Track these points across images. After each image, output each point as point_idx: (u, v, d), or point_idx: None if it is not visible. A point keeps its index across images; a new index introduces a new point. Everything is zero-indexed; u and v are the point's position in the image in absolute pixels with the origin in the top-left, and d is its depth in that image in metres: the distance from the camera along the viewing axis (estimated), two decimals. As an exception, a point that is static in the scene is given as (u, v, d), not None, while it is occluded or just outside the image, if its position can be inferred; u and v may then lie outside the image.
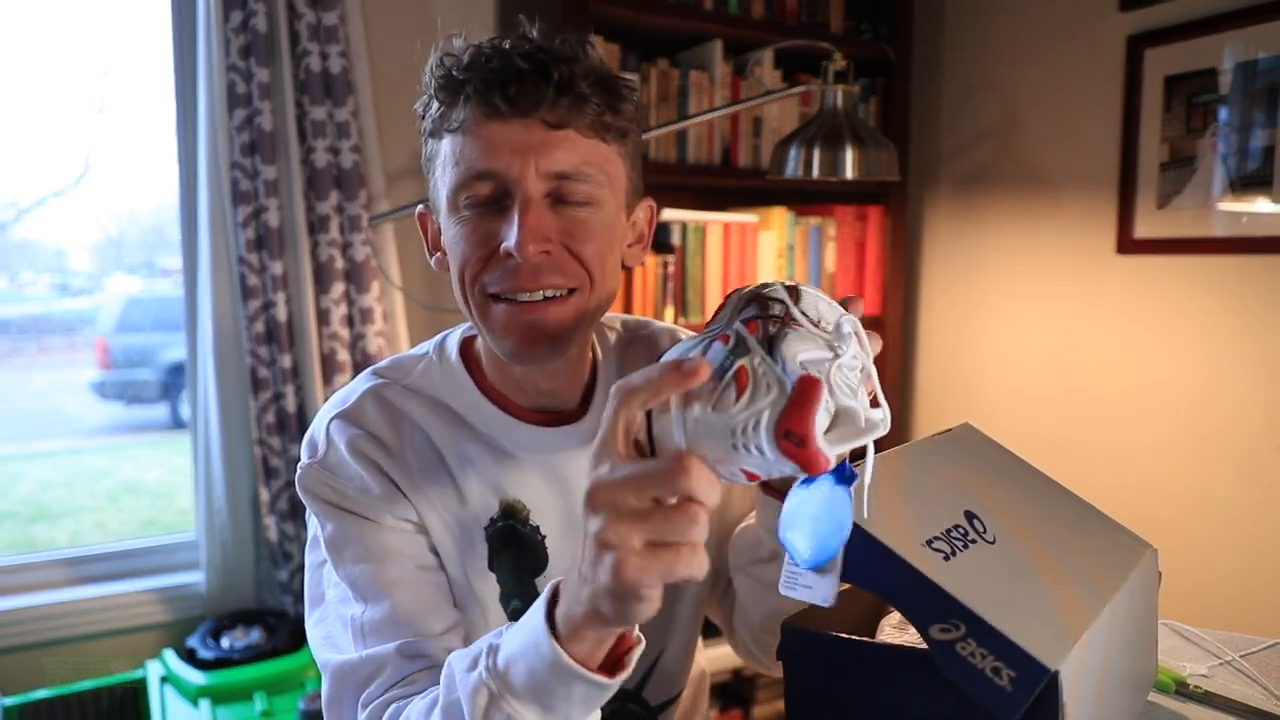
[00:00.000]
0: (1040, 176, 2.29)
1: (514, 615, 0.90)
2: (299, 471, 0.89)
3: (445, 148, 0.84)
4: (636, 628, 0.66)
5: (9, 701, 1.75)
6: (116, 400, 5.06)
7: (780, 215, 2.35)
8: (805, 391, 0.56)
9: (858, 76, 2.40)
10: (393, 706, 0.78)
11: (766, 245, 2.33)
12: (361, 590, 0.85)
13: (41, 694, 1.78)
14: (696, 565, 0.56)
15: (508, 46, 0.82)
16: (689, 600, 1.01)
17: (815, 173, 1.67)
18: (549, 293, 0.83)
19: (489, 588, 0.90)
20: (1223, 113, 1.92)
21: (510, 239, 0.80)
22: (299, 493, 0.90)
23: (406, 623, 0.83)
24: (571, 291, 0.84)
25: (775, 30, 2.28)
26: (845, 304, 0.64)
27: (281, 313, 1.95)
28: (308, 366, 1.97)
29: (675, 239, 2.20)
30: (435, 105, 0.85)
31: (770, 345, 0.59)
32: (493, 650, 0.67)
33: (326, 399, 1.99)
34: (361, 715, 0.80)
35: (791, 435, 0.55)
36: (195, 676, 1.79)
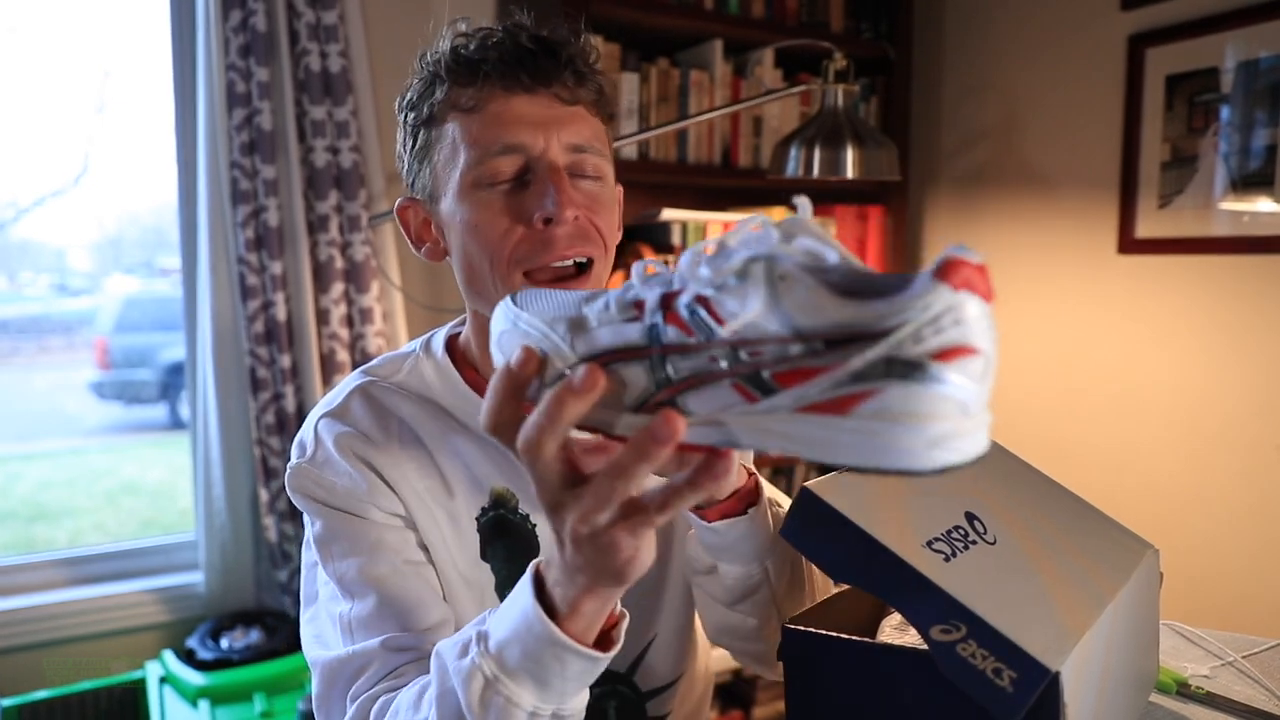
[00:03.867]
0: (1041, 176, 2.29)
1: None
2: (288, 471, 0.90)
3: (452, 131, 0.85)
4: (619, 603, 0.67)
5: (8, 702, 1.75)
6: (115, 400, 5.06)
7: (780, 215, 2.34)
8: None
9: (858, 76, 2.39)
10: (381, 700, 0.78)
11: (767, 245, 2.32)
12: (348, 586, 0.86)
13: (41, 694, 1.78)
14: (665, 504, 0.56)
15: (513, 30, 0.85)
16: (676, 586, 1.01)
17: (816, 172, 1.67)
18: (580, 260, 0.85)
19: (484, 578, 0.91)
20: (1224, 112, 1.91)
21: (548, 206, 0.81)
22: (289, 493, 0.90)
23: (393, 617, 0.83)
24: (591, 264, 0.86)
25: (775, 30, 2.28)
26: None
27: (281, 312, 1.95)
28: (307, 366, 1.97)
29: (675, 239, 2.19)
30: (441, 88, 0.85)
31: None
32: (483, 636, 0.67)
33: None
34: (350, 709, 0.80)
35: None
36: (194, 677, 1.79)
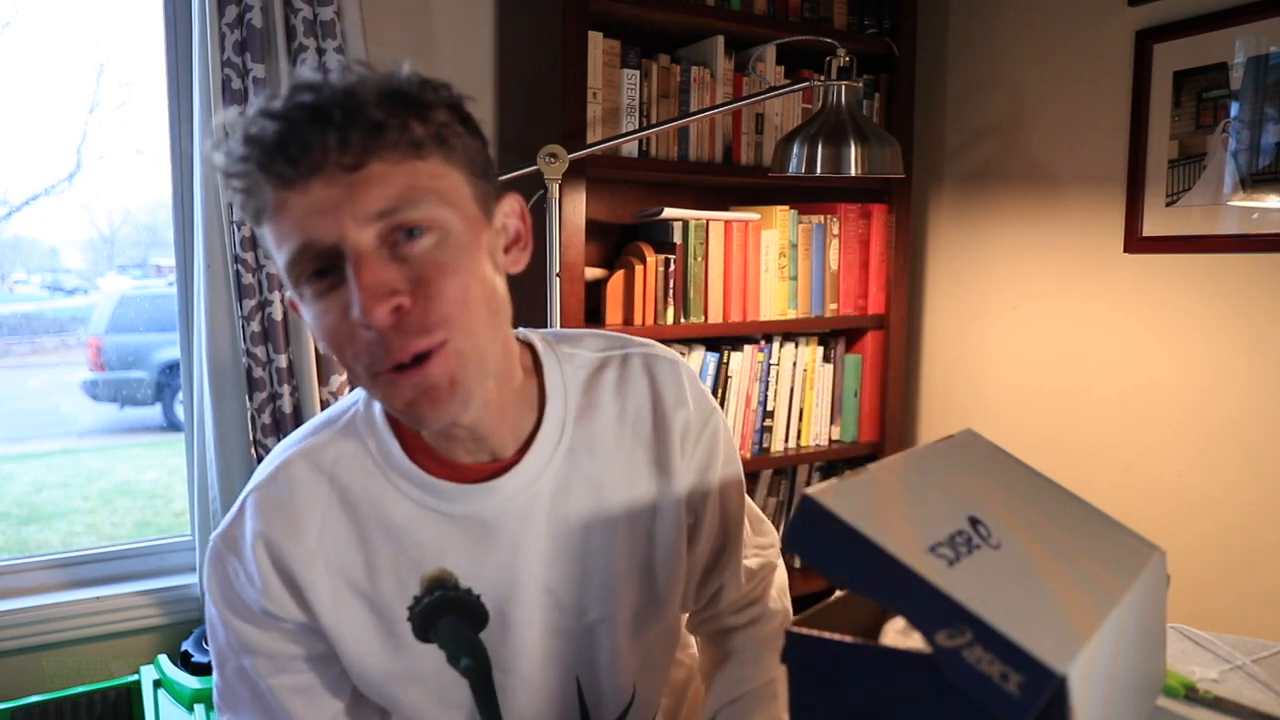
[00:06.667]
0: (1047, 174, 2.27)
1: (465, 672, 0.89)
2: (212, 540, 0.89)
3: (266, 235, 0.76)
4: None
5: (1, 706, 1.74)
6: (109, 401, 5.04)
7: (783, 213, 2.34)
8: None
9: (861, 72, 2.38)
10: None
11: (769, 243, 2.31)
12: (229, 681, 0.89)
13: (33, 699, 1.76)
14: None
15: (279, 105, 0.72)
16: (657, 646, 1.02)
17: (818, 170, 1.66)
18: (419, 353, 0.74)
19: (429, 656, 0.89)
20: (1233, 108, 1.89)
21: (354, 308, 0.71)
22: (208, 557, 0.90)
23: None
24: (436, 349, 0.74)
25: (778, 26, 2.26)
26: None
27: (277, 311, 1.93)
28: (304, 366, 1.95)
29: (676, 238, 2.18)
30: (236, 195, 0.75)
31: None
32: None
33: (323, 399, 1.98)
34: None
35: None
36: (190, 681, 1.77)
